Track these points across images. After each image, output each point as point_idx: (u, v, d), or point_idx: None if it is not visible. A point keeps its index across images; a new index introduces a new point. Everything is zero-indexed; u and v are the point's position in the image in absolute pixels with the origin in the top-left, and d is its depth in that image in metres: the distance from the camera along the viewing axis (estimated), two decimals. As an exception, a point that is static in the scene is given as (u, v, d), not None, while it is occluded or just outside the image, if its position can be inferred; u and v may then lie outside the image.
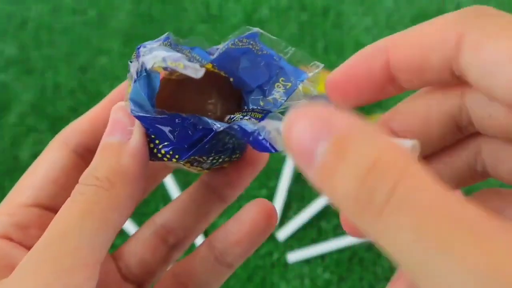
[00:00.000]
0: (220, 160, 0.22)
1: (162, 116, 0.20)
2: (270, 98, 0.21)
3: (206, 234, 0.58)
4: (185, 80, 0.21)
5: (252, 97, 0.22)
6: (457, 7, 0.70)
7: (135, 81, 0.20)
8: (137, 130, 0.20)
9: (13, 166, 0.63)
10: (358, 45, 0.68)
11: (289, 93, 0.21)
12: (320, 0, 0.71)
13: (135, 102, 0.20)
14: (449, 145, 0.19)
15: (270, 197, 0.59)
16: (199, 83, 0.20)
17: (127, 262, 0.24)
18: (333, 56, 0.68)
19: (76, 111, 0.66)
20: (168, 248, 0.24)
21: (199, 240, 0.48)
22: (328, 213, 0.58)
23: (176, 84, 0.22)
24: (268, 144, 0.19)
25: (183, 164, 0.21)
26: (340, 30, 0.69)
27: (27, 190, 0.22)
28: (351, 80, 0.18)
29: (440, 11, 0.70)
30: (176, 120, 0.20)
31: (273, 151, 0.19)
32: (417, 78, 0.17)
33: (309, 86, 0.21)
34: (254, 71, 0.21)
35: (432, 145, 0.19)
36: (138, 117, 0.20)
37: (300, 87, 0.21)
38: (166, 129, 0.20)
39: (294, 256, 0.56)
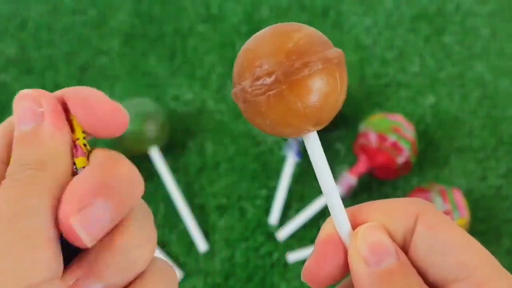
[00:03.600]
0: None
1: None
2: None
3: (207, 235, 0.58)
4: None
5: None
6: (457, 7, 0.70)
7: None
8: (47, 109, 0.20)
9: (13, 166, 0.63)
10: (358, 45, 0.68)
11: None
12: (320, 0, 0.71)
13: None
14: None
15: (270, 197, 0.59)
16: None
17: None
18: (333, 56, 0.67)
19: (76, 111, 0.66)
20: None
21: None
22: (328, 213, 0.58)
23: None
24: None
25: None
26: (340, 30, 0.69)
27: None
28: (322, 269, 0.22)
29: (440, 11, 0.70)
30: None
31: None
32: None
33: None
34: None
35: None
36: None
37: None
38: None
39: (294, 256, 0.56)
